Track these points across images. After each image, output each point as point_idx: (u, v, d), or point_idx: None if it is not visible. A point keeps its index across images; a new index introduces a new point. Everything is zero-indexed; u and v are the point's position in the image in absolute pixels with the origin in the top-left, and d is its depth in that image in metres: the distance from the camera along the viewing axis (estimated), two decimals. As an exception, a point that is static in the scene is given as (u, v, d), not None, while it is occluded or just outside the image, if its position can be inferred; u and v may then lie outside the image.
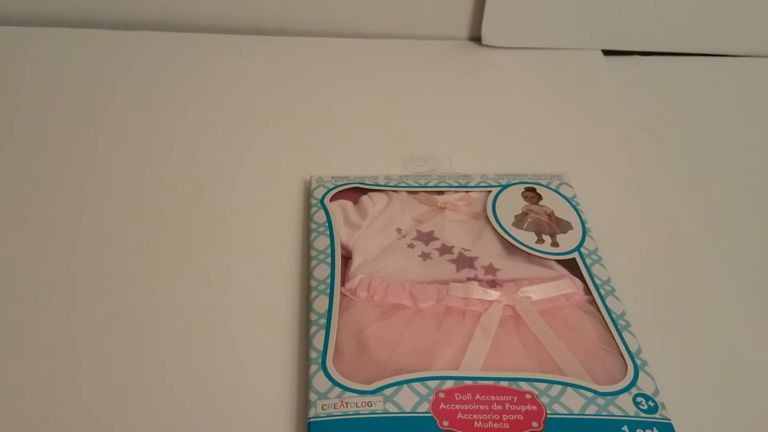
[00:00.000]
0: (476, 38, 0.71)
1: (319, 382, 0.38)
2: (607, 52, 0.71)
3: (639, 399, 0.38)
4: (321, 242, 0.47)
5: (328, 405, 0.37)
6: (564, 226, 0.49)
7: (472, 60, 0.70)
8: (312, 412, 0.37)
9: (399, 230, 0.49)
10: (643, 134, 0.61)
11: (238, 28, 0.70)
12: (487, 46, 0.70)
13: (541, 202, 0.50)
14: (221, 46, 0.68)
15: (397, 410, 0.37)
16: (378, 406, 0.37)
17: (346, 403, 0.37)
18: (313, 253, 0.46)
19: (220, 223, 0.49)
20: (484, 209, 0.50)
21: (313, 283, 0.44)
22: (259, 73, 0.65)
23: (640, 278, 0.47)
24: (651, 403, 0.38)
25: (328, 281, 0.44)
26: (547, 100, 0.65)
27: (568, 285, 0.45)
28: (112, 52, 0.66)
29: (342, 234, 0.48)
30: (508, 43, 0.70)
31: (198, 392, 0.39)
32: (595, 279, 0.45)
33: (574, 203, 0.51)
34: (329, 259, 0.45)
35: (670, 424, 0.37)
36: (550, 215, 0.49)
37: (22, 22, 0.67)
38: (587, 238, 0.48)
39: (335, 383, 0.38)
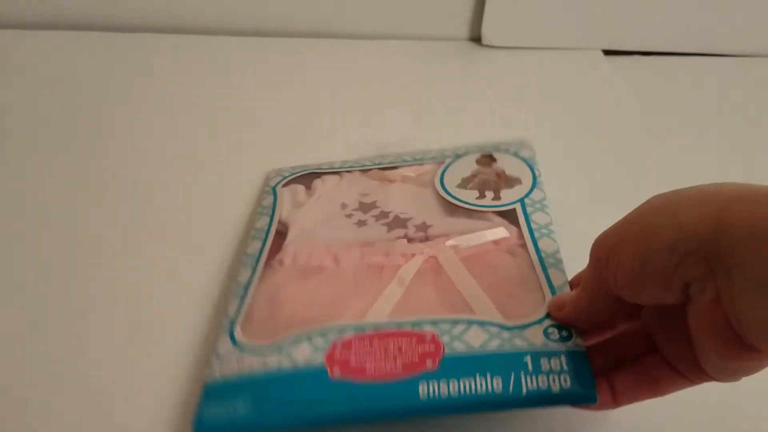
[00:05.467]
0: (476, 38, 0.71)
1: (222, 347, 0.36)
2: (607, 52, 0.71)
3: (551, 330, 0.35)
4: (261, 222, 0.46)
5: (225, 368, 0.35)
6: (512, 183, 0.46)
7: (472, 60, 0.70)
8: (208, 376, 0.35)
9: (344, 205, 0.47)
10: (643, 134, 0.61)
11: (235, 30, 0.70)
12: (487, 46, 0.70)
13: (495, 164, 0.48)
14: (221, 46, 0.68)
15: (290, 365, 0.34)
16: (273, 363, 0.35)
17: (243, 363, 0.35)
18: (252, 233, 0.45)
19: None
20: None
21: (243, 259, 0.43)
22: (260, 74, 0.65)
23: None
24: (564, 333, 0.34)
25: (256, 255, 0.43)
26: (547, 100, 0.65)
27: (501, 232, 0.42)
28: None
29: (283, 212, 0.47)
30: (508, 43, 0.70)
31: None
32: (532, 224, 0.43)
33: (530, 163, 0.48)
34: (263, 236, 0.45)
35: (583, 352, 0.33)
36: (500, 174, 0.47)
37: (16, 26, 0.67)
38: (536, 190, 0.45)
39: (237, 345, 0.36)
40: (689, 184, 0.32)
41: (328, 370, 0.34)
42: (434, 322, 0.36)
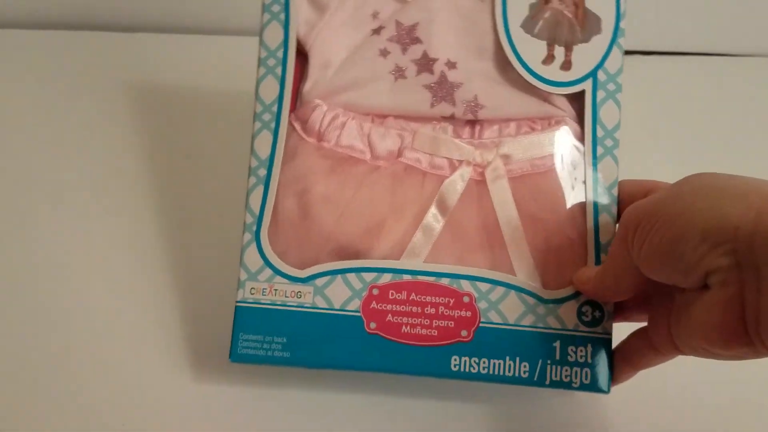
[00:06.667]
0: (476, 38, 0.71)
1: (251, 257, 0.34)
2: (607, 52, 0.71)
3: (585, 308, 0.35)
4: (272, 34, 0.36)
5: (257, 289, 0.34)
6: (590, 27, 0.38)
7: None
8: (240, 295, 0.34)
9: (375, 16, 0.38)
10: (643, 134, 0.61)
11: (235, 29, 0.70)
12: (488, 46, 0.70)
13: None
14: (223, 47, 0.68)
15: (326, 305, 0.34)
16: (307, 298, 0.34)
17: (276, 290, 0.34)
18: (262, 54, 0.36)
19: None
20: None
21: (258, 108, 0.36)
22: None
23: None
24: (597, 314, 0.35)
25: (275, 107, 0.36)
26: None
27: (561, 141, 0.38)
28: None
29: (301, 23, 0.37)
30: (509, 43, 0.70)
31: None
32: (598, 129, 0.38)
33: None
34: (280, 68, 0.36)
35: (609, 340, 0.34)
36: (578, 3, 0.38)
37: (17, 26, 0.67)
38: (614, 49, 0.38)
39: (267, 263, 0.34)
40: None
41: (365, 321, 0.34)
42: (472, 279, 0.35)
